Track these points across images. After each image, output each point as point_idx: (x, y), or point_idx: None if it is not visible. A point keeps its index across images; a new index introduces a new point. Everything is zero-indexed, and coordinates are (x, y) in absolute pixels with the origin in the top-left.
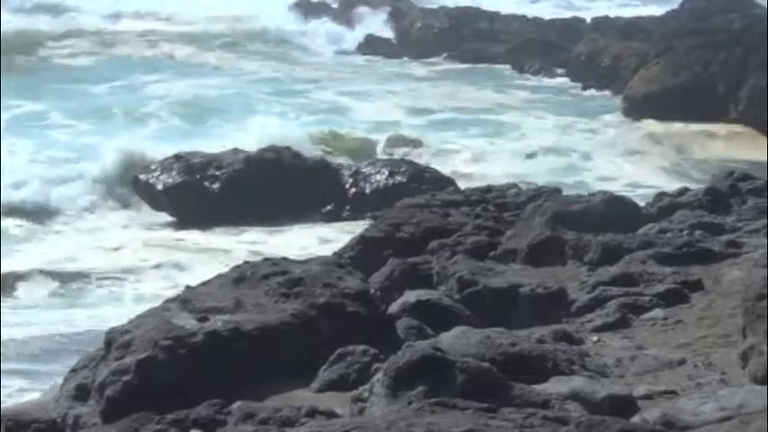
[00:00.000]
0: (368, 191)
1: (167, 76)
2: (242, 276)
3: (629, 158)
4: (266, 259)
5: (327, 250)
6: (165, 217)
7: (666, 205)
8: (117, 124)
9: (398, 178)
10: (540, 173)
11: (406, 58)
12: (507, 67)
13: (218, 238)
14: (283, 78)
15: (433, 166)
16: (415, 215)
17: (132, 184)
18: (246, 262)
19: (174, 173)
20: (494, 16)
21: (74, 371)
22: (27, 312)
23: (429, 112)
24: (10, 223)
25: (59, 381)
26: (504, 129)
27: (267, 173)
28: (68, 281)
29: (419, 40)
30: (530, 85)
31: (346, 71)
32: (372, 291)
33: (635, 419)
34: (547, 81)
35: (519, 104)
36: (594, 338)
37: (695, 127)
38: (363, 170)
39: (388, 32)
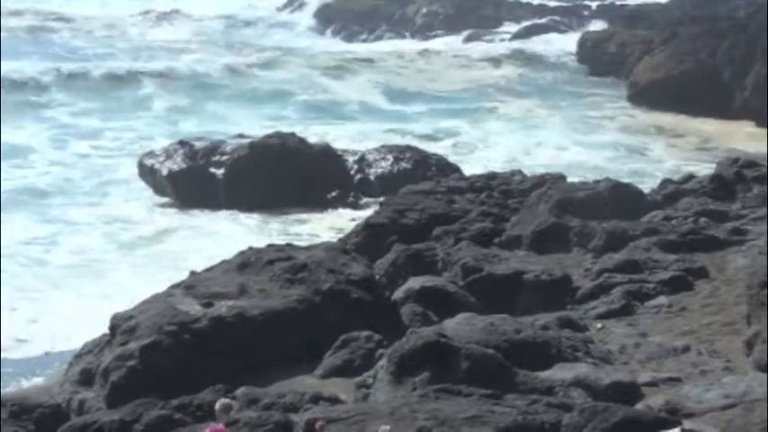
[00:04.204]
0: (373, 177)
1: None
2: (246, 262)
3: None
4: (271, 245)
5: (332, 236)
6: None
7: (671, 192)
8: None
9: (403, 165)
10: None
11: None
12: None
13: (222, 224)
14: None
15: None
16: (419, 202)
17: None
18: (251, 247)
19: (178, 158)
20: (499, 2)
21: (78, 356)
22: None
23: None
24: None
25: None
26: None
27: (272, 159)
28: None
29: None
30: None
31: None
32: (377, 277)
33: (639, 406)
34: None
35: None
36: (599, 325)
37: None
38: (368, 156)
39: None
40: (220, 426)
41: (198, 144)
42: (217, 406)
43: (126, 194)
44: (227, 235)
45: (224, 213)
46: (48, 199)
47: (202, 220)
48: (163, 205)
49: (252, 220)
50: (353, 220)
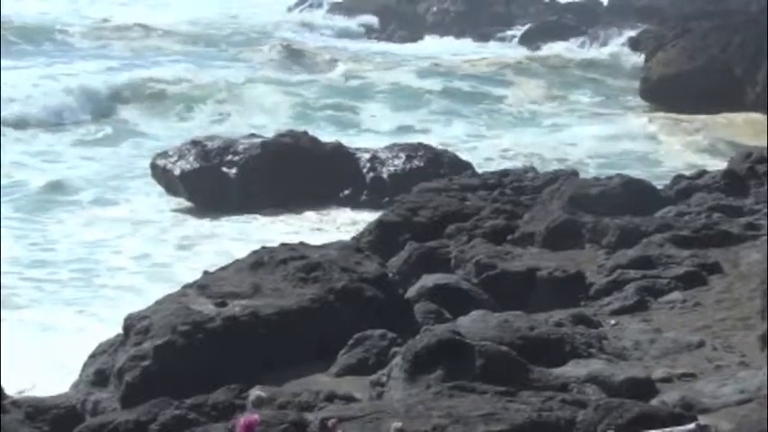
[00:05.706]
0: (385, 175)
1: None
2: (260, 261)
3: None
4: (284, 244)
5: (346, 235)
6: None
7: (684, 188)
8: None
9: (416, 163)
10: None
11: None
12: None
13: (235, 223)
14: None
15: None
16: (432, 199)
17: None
18: (264, 247)
19: (190, 158)
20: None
21: (92, 356)
22: None
23: None
24: None
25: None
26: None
27: (284, 158)
28: None
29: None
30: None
31: None
32: (390, 275)
33: (654, 402)
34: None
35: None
36: (613, 321)
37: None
38: (381, 155)
39: None
40: (255, 416)
41: (210, 144)
42: (252, 397)
43: (144, 195)
44: (258, 234)
45: (242, 213)
46: (76, 200)
47: (226, 220)
48: (179, 204)
49: (271, 218)
50: (367, 218)
